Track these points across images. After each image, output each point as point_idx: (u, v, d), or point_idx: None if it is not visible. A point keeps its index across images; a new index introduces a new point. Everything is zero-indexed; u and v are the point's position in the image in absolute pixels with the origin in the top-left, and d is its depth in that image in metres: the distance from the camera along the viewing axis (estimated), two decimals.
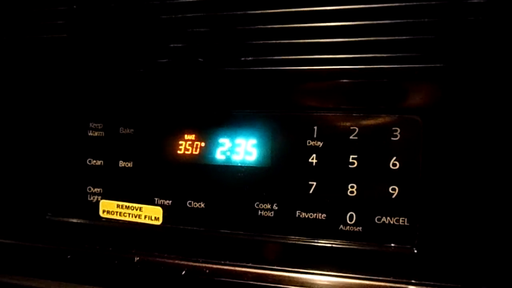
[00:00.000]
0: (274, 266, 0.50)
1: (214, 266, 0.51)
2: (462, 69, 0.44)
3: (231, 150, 0.52)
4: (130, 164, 0.55)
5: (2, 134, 0.59)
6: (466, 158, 0.45)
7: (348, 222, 0.49)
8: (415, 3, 0.43)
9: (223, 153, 0.53)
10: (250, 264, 0.50)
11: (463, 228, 0.45)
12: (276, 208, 0.51)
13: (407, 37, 0.44)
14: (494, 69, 0.43)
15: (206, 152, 0.53)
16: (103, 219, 0.56)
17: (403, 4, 0.43)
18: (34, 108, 0.58)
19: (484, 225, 0.45)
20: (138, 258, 0.53)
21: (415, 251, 0.47)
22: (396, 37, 0.44)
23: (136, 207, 0.55)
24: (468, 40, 0.43)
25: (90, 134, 0.56)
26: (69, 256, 0.55)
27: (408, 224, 0.47)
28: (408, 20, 0.43)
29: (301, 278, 0.49)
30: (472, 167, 0.45)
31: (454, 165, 0.45)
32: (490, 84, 0.44)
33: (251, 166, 0.52)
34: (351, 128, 0.49)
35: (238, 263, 0.51)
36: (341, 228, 0.49)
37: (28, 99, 0.58)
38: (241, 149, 0.52)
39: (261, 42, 0.47)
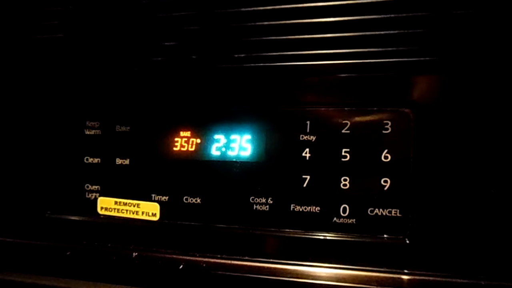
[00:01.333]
0: (269, 259, 0.51)
1: (211, 260, 0.52)
2: (451, 62, 0.45)
3: (226, 146, 0.53)
4: (127, 162, 0.56)
5: (0, 133, 0.60)
6: (456, 149, 0.46)
7: (342, 214, 0.50)
8: None
9: (218, 149, 0.54)
10: (246, 258, 0.51)
11: (454, 219, 0.46)
12: (271, 202, 0.52)
13: (397, 31, 0.45)
14: (484, 62, 0.44)
15: (201, 148, 0.54)
16: (101, 216, 0.57)
17: None
18: (31, 107, 0.58)
19: (475, 216, 0.46)
20: (136, 254, 0.54)
21: (407, 241, 0.48)
22: (386, 32, 0.45)
23: (134, 204, 0.56)
24: (457, 33, 0.43)
25: (87, 132, 0.57)
26: (68, 253, 0.56)
27: (400, 215, 0.48)
28: (399, 15, 0.44)
29: (296, 270, 0.49)
30: (462, 159, 0.46)
31: (445, 157, 0.46)
32: (480, 77, 0.45)
33: (246, 161, 0.52)
34: (343, 122, 0.49)
35: (235, 257, 0.51)
36: (334, 220, 0.50)
37: (25, 98, 0.59)
38: (236, 144, 0.53)
39: (254, 39, 0.48)
